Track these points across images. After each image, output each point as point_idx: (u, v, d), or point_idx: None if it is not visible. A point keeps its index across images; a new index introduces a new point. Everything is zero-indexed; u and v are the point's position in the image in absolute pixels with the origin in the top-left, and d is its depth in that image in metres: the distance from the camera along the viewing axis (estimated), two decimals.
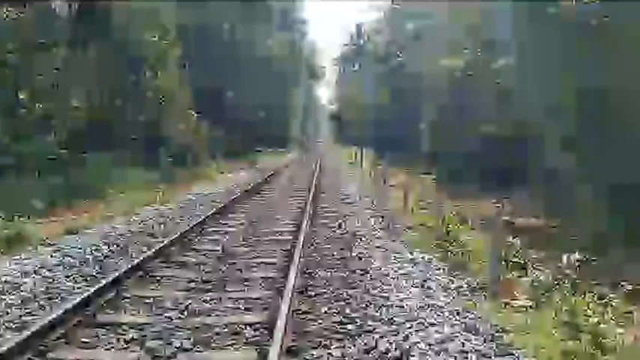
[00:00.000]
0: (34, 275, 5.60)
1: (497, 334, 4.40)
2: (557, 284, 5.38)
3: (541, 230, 12.19)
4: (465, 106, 21.39)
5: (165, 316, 4.62)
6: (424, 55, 28.14)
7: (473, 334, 4.32)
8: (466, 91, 21.40)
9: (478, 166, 18.73)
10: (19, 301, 4.85)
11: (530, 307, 5.26)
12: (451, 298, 5.34)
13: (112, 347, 4.04)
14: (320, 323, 4.59)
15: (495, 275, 5.67)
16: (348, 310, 4.86)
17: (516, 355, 4.00)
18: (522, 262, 6.76)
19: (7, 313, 4.58)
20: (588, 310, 4.32)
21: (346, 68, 66.94)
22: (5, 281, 5.33)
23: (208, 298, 5.16)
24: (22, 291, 5.11)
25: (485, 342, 4.20)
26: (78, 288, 5.33)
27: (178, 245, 7.10)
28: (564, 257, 5.90)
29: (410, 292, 5.35)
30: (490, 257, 5.73)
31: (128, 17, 16.98)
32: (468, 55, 20.96)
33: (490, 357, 3.91)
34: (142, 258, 6.02)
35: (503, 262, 6.21)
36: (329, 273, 6.10)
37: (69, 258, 6.32)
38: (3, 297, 4.92)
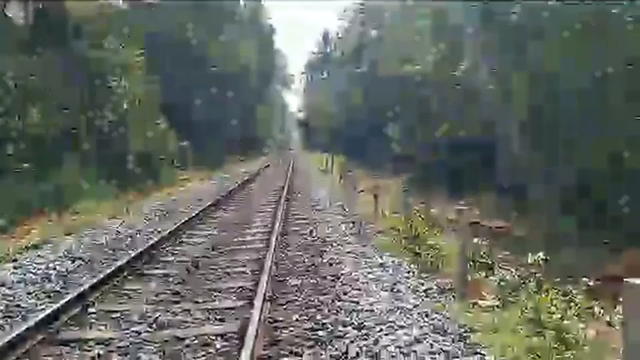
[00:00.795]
0: None
1: (465, 334, 4.48)
2: (523, 283, 5.52)
3: (506, 231, 12.54)
4: (432, 110, 21.83)
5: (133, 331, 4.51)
6: (387, 60, 28.63)
7: (441, 335, 4.39)
8: (431, 96, 21.85)
9: (446, 169, 19.13)
10: None
11: (497, 306, 5.38)
12: (420, 300, 5.40)
13: None
14: (291, 331, 4.57)
15: (463, 276, 5.77)
16: (319, 317, 4.85)
17: (483, 353, 4.07)
18: (489, 262, 6.90)
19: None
20: (552, 307, 4.44)
21: (314, 76, 67.36)
22: None
23: (179, 310, 5.05)
24: None
25: (453, 342, 4.27)
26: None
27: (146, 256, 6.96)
28: (529, 256, 6.05)
29: (380, 296, 5.39)
30: (458, 259, 5.83)
31: (87, 23, 16.61)
32: (431, 58, 21.38)
33: (458, 357, 3.98)
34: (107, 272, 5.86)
35: (471, 263, 6.33)
36: (300, 280, 6.09)
37: (30, 274, 6.10)
38: None
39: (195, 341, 4.33)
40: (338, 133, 44.00)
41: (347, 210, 12.13)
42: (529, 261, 6.09)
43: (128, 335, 4.40)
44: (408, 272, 6.54)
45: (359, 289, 5.61)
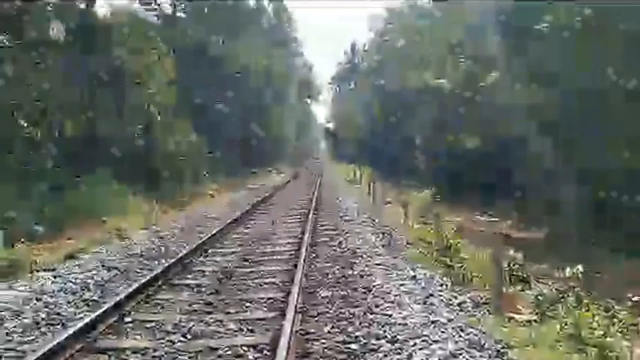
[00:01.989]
0: (35, 302, 5.53)
1: (502, 350, 4.36)
2: (562, 297, 5.35)
3: (537, 242, 12.22)
4: (455, 122, 21.66)
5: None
6: (411, 73, 28.58)
7: (477, 350, 4.28)
8: (455, 108, 21.69)
9: (474, 180, 18.86)
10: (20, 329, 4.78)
11: (535, 321, 5.23)
12: (454, 314, 5.29)
13: None
14: (323, 343, 4.54)
15: (498, 290, 5.63)
16: (350, 329, 4.81)
17: None
18: (524, 275, 6.73)
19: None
20: (593, 323, 4.29)
21: (342, 87, 67.65)
22: (7, 308, 5.26)
23: (211, 320, 5.09)
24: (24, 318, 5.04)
25: (490, 358, 4.16)
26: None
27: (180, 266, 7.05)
28: (567, 269, 5.87)
29: (412, 309, 5.31)
30: (492, 272, 5.70)
31: (112, 31, 17.11)
32: (456, 71, 21.28)
33: None
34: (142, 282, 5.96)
35: (505, 277, 6.18)
36: (331, 292, 6.06)
37: (70, 284, 6.26)
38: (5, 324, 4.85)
39: (229, 352, 4.35)
40: (364, 144, 43.95)
41: (376, 221, 12.05)
42: (567, 274, 5.92)
43: (163, 345, 4.46)
44: (441, 285, 6.42)
45: (391, 302, 5.54)
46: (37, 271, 6.91)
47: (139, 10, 25.48)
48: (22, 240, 7.88)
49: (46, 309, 5.34)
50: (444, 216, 14.00)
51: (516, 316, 5.41)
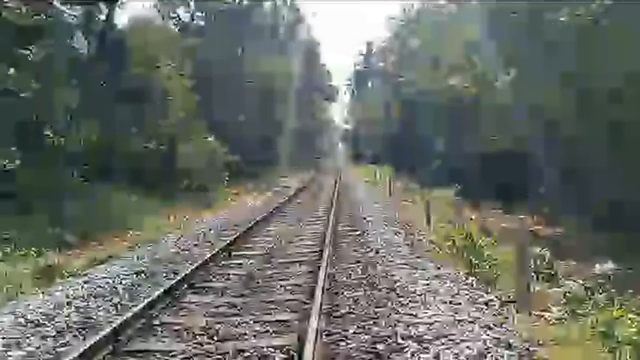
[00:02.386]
0: (67, 306, 5.66)
1: (532, 349, 4.29)
2: (592, 295, 5.23)
3: (564, 239, 11.98)
4: (472, 123, 21.46)
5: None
6: (427, 74, 28.40)
7: (506, 350, 4.22)
8: (472, 110, 21.50)
9: (493, 180, 18.65)
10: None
11: (564, 319, 5.12)
12: (481, 312, 5.23)
13: None
14: (348, 344, 4.53)
15: (525, 287, 5.54)
16: (376, 329, 4.79)
17: None
18: (552, 272, 6.61)
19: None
20: (626, 321, 4.18)
21: (359, 87, 67.46)
22: (42, 312, 5.40)
23: (237, 322, 5.13)
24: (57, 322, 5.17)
25: (520, 357, 4.10)
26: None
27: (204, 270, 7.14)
28: (597, 266, 5.74)
29: (438, 308, 5.26)
30: (519, 269, 5.61)
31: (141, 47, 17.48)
32: (470, 72, 21.11)
33: None
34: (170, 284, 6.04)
35: (532, 274, 6.08)
36: (354, 292, 6.05)
37: (100, 288, 6.39)
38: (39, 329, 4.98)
39: (255, 353, 4.38)
40: (384, 145, 43.77)
41: (397, 220, 11.99)
42: (596, 271, 5.79)
43: (190, 347, 4.52)
44: (466, 283, 6.35)
45: (416, 302, 5.50)
46: (69, 276, 7.08)
47: (156, 19, 26.00)
48: (55, 248, 8.11)
49: (77, 313, 5.47)
50: (467, 214, 13.87)
51: (545, 314, 5.31)
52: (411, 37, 38.28)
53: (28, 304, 5.70)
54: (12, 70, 13.14)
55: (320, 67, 61.20)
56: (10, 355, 4.33)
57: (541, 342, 4.44)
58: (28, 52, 13.38)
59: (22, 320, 5.17)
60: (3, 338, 4.68)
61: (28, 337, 4.73)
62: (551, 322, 5.10)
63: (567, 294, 5.56)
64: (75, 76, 15.00)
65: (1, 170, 12.99)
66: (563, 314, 5.28)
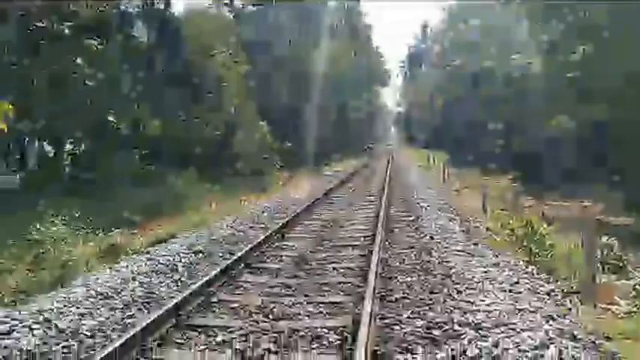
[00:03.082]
0: (131, 281, 5.98)
1: (598, 342, 4.08)
2: None
3: (633, 229, 11.24)
4: (535, 105, 20.42)
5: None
6: (492, 53, 27.24)
7: (571, 341, 4.04)
8: (536, 90, 20.45)
9: (555, 164, 17.76)
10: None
11: (634, 312, 4.83)
12: (543, 302, 5.02)
13: None
14: (403, 328, 4.50)
15: (590, 278, 5.27)
16: (431, 315, 4.72)
17: None
18: (620, 264, 6.23)
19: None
20: None
21: (411, 69, 66.00)
22: (110, 286, 5.75)
23: (291, 302, 5.21)
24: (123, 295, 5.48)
25: (585, 349, 3.91)
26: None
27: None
28: None
29: (497, 297, 5.11)
30: (584, 259, 5.33)
31: (196, 35, 17.90)
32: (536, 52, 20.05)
33: None
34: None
35: (599, 265, 5.76)
36: (409, 277, 5.98)
37: (161, 265, 6.70)
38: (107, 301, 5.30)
39: (310, 333, 4.43)
40: (438, 129, 42.73)
41: (452, 207, 11.71)
42: None
43: (247, 324, 4.64)
44: (526, 272, 6.12)
45: (473, 289, 5.37)
46: (133, 254, 7.47)
47: (210, 8, 26.43)
48: (120, 227, 8.59)
49: (142, 288, 5.76)
50: (526, 201, 13.32)
51: (611, 307, 5.03)
52: (470, 18, 36.84)
53: (97, 279, 6.06)
54: (79, 60, 13.88)
55: (374, 53, 60.32)
56: (84, 324, 4.62)
57: (609, 335, 4.22)
58: (94, 42, 14.07)
59: (92, 292, 5.50)
60: (77, 308, 5.01)
61: (98, 309, 5.04)
62: (619, 316, 4.83)
63: (637, 287, 5.22)
64: (136, 65, 15.65)
65: (68, 154, 13.85)
66: (632, 308, 4.97)
